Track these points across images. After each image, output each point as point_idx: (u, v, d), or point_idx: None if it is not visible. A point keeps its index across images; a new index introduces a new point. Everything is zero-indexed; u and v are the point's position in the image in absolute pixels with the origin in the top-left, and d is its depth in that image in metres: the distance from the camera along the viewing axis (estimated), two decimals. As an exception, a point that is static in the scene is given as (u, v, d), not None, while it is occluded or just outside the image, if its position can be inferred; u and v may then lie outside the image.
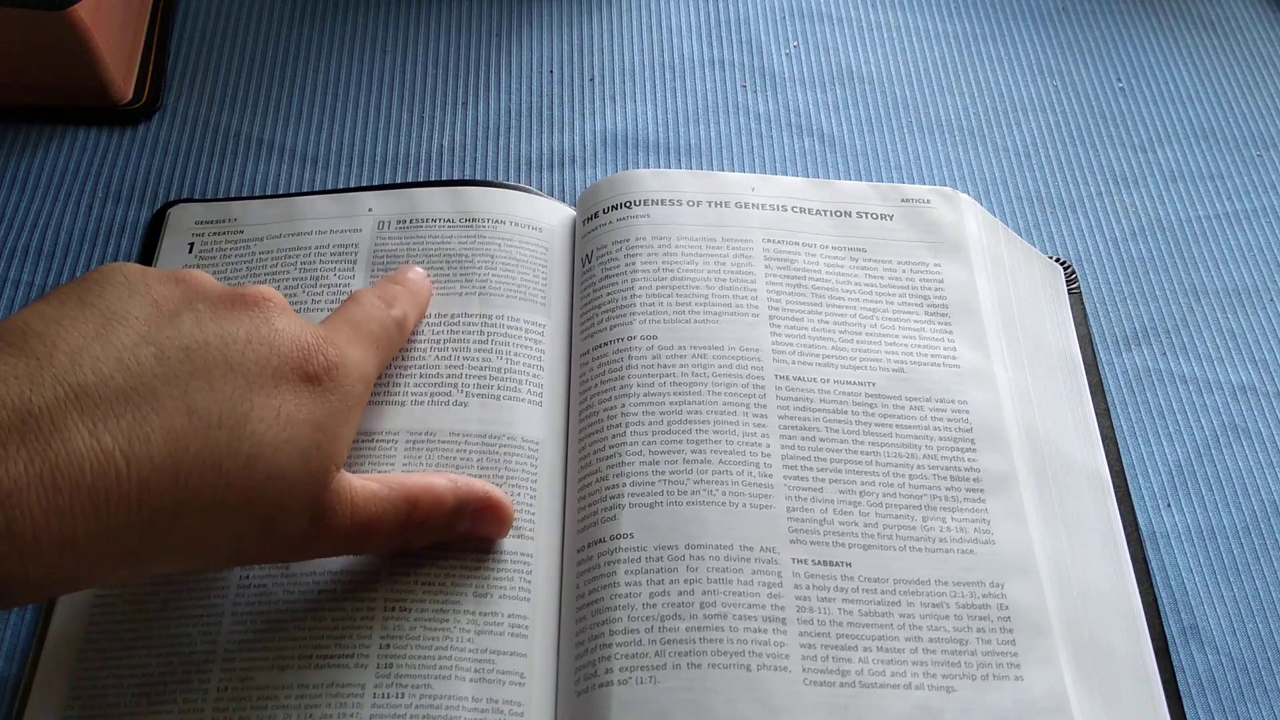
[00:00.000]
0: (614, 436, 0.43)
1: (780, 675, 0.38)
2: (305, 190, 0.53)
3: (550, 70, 0.58)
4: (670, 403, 0.43)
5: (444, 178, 0.54)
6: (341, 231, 0.49)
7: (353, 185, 0.53)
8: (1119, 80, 0.60)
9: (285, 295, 0.46)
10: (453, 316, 0.46)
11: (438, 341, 0.46)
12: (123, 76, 0.54)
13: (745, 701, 0.37)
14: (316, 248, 0.48)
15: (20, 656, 0.41)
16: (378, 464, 0.42)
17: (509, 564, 0.41)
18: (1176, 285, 0.53)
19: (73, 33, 0.50)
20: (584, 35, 0.60)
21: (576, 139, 0.56)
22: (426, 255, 0.48)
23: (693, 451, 0.42)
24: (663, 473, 0.42)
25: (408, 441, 0.43)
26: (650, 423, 0.43)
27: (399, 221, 0.49)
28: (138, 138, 0.54)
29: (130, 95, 0.55)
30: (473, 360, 0.45)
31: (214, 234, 0.49)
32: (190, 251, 0.49)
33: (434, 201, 0.50)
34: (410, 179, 0.54)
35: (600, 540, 0.41)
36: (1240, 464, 0.48)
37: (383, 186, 0.51)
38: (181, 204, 0.51)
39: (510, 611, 0.40)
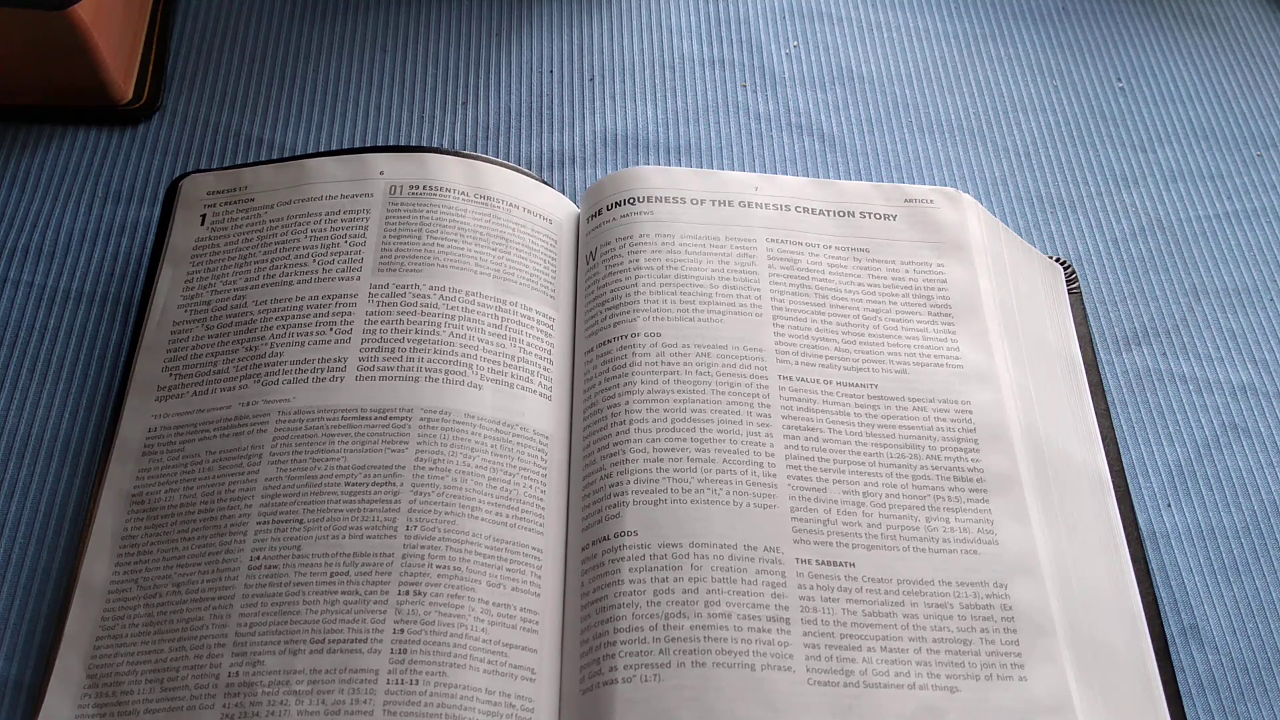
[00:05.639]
0: (618, 433, 0.43)
1: (784, 675, 0.38)
2: (315, 152, 0.52)
3: (550, 70, 0.58)
4: (674, 400, 0.43)
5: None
6: (352, 197, 0.48)
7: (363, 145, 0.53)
8: (1119, 80, 0.60)
9: (297, 264, 0.46)
10: (467, 294, 0.46)
11: (451, 317, 0.45)
12: (123, 76, 0.54)
13: (749, 701, 0.37)
14: (328, 214, 0.47)
15: (20, 656, 0.40)
16: (391, 442, 0.42)
17: (521, 556, 0.41)
18: (1176, 285, 0.53)
19: (73, 33, 0.50)
20: (584, 35, 0.60)
21: (576, 139, 0.56)
22: (440, 226, 0.47)
23: (697, 450, 0.42)
24: (667, 470, 0.42)
25: (421, 420, 0.43)
26: (654, 420, 0.43)
27: (411, 187, 0.48)
28: (138, 138, 0.54)
29: (130, 95, 0.55)
30: (487, 343, 0.45)
31: (225, 204, 0.49)
32: (203, 224, 0.48)
33: (448, 171, 0.49)
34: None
35: (604, 538, 0.41)
36: (1240, 464, 0.48)
37: (395, 148, 0.50)
38: (192, 175, 0.50)
39: (522, 605, 0.40)
